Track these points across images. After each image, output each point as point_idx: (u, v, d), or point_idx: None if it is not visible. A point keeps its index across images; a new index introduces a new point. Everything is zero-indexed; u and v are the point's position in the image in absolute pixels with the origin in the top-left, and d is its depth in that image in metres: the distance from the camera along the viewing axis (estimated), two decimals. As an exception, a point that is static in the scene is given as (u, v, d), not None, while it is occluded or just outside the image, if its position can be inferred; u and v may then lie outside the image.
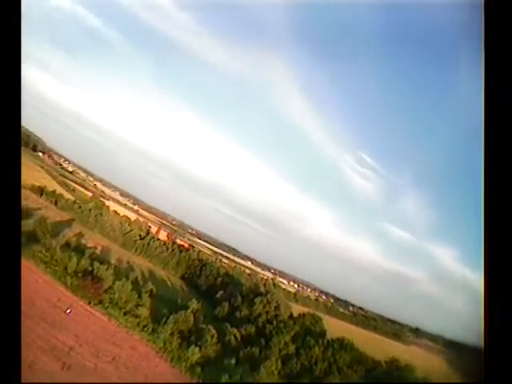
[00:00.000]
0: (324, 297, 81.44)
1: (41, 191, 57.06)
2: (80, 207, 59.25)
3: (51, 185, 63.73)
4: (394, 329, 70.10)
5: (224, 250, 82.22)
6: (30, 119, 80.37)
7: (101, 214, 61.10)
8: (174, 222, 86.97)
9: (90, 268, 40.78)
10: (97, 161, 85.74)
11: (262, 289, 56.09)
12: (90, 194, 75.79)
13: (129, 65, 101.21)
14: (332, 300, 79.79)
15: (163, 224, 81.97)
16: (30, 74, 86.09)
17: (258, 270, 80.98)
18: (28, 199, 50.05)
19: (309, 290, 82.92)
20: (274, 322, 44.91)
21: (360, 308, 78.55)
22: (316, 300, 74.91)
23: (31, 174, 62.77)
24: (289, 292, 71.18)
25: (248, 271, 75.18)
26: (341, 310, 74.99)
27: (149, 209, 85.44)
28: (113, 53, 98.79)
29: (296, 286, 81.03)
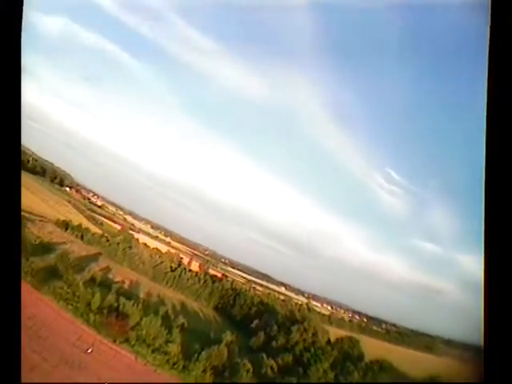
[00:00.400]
0: (357, 317, 77.18)
1: (66, 225, 54.99)
2: (108, 241, 56.75)
3: (78, 219, 61.26)
4: (426, 342, 66.52)
5: (257, 277, 78.56)
6: (57, 154, 79.48)
7: (130, 247, 58.50)
8: (206, 252, 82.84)
9: (116, 304, 37.81)
10: (126, 194, 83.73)
11: (298, 315, 53.87)
12: (119, 228, 73.50)
13: (154, 94, 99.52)
14: (365, 319, 75.46)
15: (195, 255, 78.34)
16: (57, 109, 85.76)
17: (292, 295, 77.60)
18: (52, 233, 48.41)
19: (342, 311, 78.19)
20: (312, 350, 42.81)
21: (393, 325, 74.57)
22: (350, 321, 72.72)
23: (57, 208, 61.61)
24: (323, 315, 68.77)
25: (282, 297, 72.17)
26: (374, 328, 70.87)
27: (180, 240, 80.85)
28: (137, 83, 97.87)
29: (329, 308, 77.88)
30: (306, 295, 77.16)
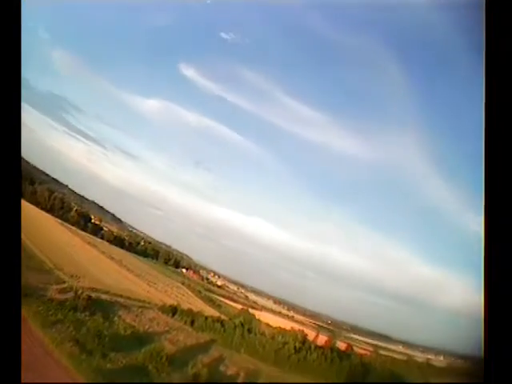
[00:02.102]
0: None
1: (174, 310, 47.77)
2: (223, 326, 47.26)
3: (190, 301, 56.02)
4: None
5: (379, 340, 73.75)
6: (174, 236, 79.85)
7: (249, 329, 48.35)
8: (329, 322, 75.90)
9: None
10: (249, 271, 77.70)
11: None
12: (240, 307, 65.09)
13: (263, 167, 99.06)
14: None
15: (320, 326, 71.16)
16: (172, 193, 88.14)
17: (409, 352, 72.94)
18: (153, 321, 41.41)
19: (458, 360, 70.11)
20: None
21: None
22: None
23: (167, 291, 56.83)
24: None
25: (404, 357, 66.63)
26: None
27: (304, 312, 75.65)
28: (248, 159, 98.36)
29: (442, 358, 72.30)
30: (421, 349, 73.84)
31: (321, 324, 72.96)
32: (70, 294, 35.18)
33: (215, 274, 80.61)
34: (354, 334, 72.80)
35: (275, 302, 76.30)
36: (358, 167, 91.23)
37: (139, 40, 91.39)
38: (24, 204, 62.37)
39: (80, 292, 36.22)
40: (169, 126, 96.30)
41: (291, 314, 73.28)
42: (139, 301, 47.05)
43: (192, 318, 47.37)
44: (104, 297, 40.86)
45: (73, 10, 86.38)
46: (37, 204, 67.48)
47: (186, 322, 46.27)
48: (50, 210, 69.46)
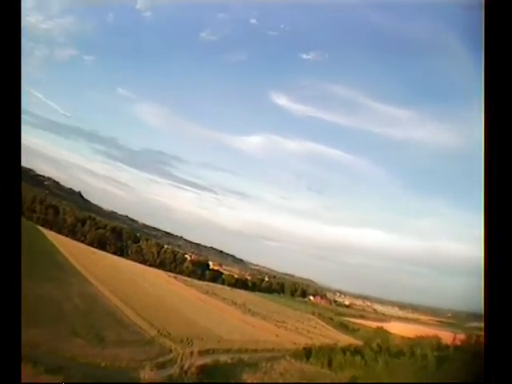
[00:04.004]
0: None
1: (308, 353, 43.07)
2: (363, 357, 42.60)
3: (323, 333, 55.94)
4: None
5: None
6: (298, 265, 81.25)
7: (388, 352, 44.89)
8: (448, 315, 72.91)
9: None
10: (369, 283, 77.22)
11: None
12: (374, 326, 64.42)
13: (370, 178, 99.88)
14: None
15: (442, 322, 69.06)
16: (289, 222, 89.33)
17: None
18: (286, 373, 34.75)
19: None
20: None
21: None
22: None
23: (299, 328, 55.73)
24: None
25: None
26: None
27: (425, 311, 74.66)
28: (357, 175, 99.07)
29: None
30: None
31: (443, 320, 70.84)
32: (175, 368, 28.32)
33: (341, 293, 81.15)
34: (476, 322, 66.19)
35: (400, 308, 75.51)
36: (456, 159, 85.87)
37: (223, 78, 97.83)
38: (125, 263, 65.05)
39: (188, 364, 28.89)
40: (273, 157, 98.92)
41: (416, 316, 72.37)
42: (267, 351, 42.67)
43: (329, 356, 42.84)
44: (224, 359, 34.62)
45: (149, 62, 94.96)
46: (144, 262, 68.76)
47: (322, 365, 41.06)
48: (159, 265, 69.91)
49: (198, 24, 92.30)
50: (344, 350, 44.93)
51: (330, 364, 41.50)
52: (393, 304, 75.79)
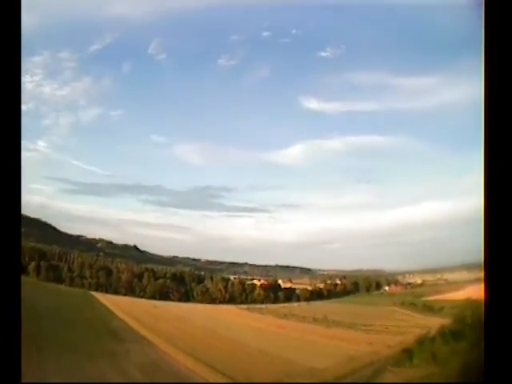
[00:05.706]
0: None
1: (410, 354, 35.07)
2: (463, 336, 37.50)
3: (412, 323, 53.32)
4: None
5: None
6: (363, 260, 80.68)
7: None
8: None
9: None
10: (430, 255, 75.80)
11: None
12: (462, 297, 61.54)
13: (416, 155, 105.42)
14: None
15: None
16: (348, 220, 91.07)
17: None
18: (384, 379, 30.65)
19: None
20: None
21: None
22: None
23: (388, 327, 52.41)
24: None
25: None
26: None
27: None
28: (403, 155, 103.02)
29: None
30: None
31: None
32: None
33: (410, 273, 79.93)
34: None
35: (468, 271, 71.88)
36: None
37: (250, 97, 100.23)
38: (191, 309, 62.30)
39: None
40: (316, 161, 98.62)
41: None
42: (366, 366, 36.75)
43: (431, 350, 35.05)
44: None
45: (174, 102, 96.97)
46: (212, 301, 66.50)
47: (427, 363, 32.71)
48: (230, 300, 67.82)
49: (214, 52, 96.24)
50: (443, 337, 38.19)
51: (434, 359, 33.51)
52: (460, 269, 73.64)
